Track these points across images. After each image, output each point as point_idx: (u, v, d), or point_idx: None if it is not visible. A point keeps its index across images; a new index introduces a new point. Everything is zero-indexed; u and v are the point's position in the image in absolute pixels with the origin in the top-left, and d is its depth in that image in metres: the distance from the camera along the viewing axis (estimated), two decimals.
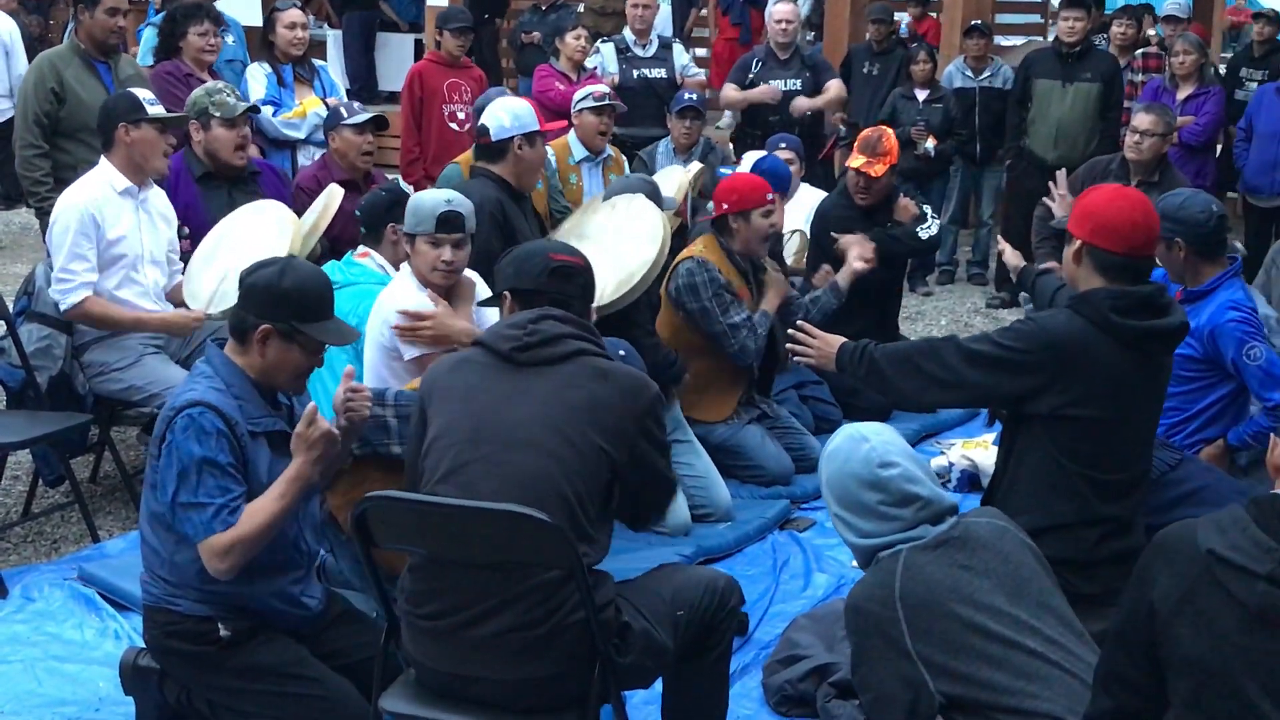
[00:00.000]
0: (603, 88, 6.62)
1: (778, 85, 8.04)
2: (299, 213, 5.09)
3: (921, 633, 2.55)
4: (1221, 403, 4.36)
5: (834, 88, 8.24)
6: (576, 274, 3.15)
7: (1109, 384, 3.22)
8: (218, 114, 5.24)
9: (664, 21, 11.22)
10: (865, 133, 6.11)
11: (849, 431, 2.84)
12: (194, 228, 5.11)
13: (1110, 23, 9.33)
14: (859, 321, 5.29)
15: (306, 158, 6.74)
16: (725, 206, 5.16)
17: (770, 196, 5.18)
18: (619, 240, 5.11)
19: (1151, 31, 9.69)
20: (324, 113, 6.77)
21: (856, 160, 5.96)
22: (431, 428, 2.98)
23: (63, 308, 4.65)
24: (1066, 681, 2.48)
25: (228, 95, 5.31)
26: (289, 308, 3.13)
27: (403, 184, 5.84)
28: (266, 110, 6.76)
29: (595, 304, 5.12)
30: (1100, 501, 3.29)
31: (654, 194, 5.34)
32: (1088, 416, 3.22)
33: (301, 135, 6.82)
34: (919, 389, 3.47)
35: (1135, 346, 3.24)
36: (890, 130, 6.22)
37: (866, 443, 2.76)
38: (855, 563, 4.50)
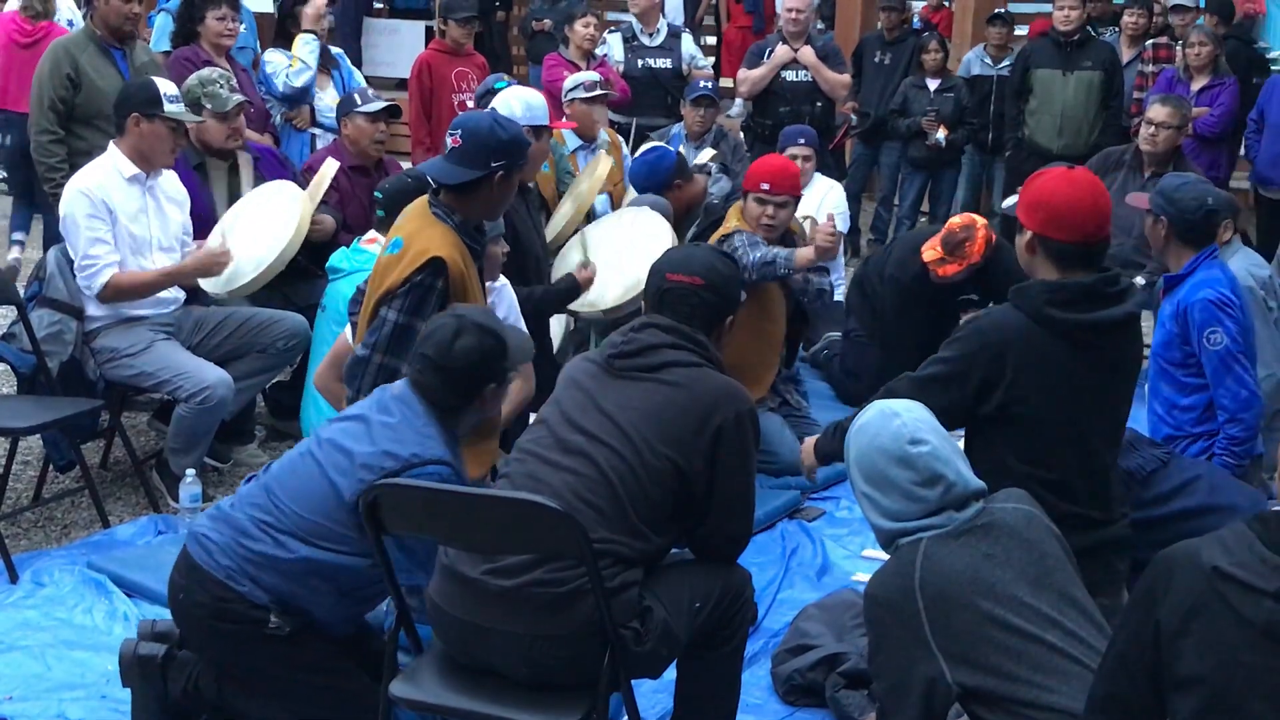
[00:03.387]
0: (593, 76, 6.59)
1: (788, 75, 7.99)
2: None
3: (940, 623, 2.53)
4: None
5: (837, 78, 8.15)
6: (688, 295, 3.14)
7: (1051, 378, 3.12)
8: (209, 105, 5.24)
9: (675, 10, 11.19)
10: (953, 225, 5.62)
11: (880, 406, 2.77)
12: (194, 216, 5.10)
13: (1121, 12, 9.26)
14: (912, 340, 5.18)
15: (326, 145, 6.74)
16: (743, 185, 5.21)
17: (765, 187, 5.10)
18: (630, 252, 5.14)
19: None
20: (312, 57, 6.79)
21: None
22: (540, 412, 3.15)
23: (94, 293, 4.67)
24: (1085, 677, 2.45)
25: (220, 86, 5.28)
26: (507, 360, 3.22)
27: None
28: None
29: (601, 309, 5.19)
30: (1055, 498, 3.08)
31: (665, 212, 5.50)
32: (1030, 413, 3.12)
33: (310, 75, 6.90)
34: None
35: (1076, 339, 3.13)
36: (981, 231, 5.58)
37: (898, 418, 2.71)
38: (868, 551, 4.59)
